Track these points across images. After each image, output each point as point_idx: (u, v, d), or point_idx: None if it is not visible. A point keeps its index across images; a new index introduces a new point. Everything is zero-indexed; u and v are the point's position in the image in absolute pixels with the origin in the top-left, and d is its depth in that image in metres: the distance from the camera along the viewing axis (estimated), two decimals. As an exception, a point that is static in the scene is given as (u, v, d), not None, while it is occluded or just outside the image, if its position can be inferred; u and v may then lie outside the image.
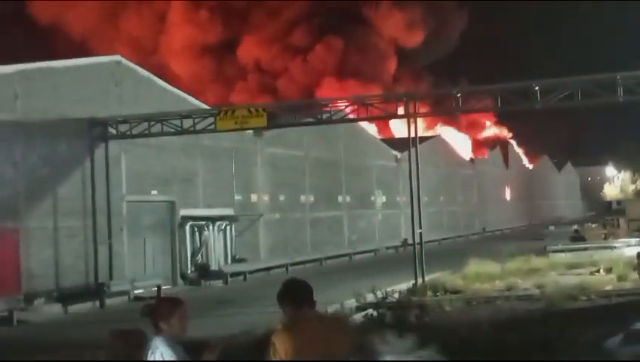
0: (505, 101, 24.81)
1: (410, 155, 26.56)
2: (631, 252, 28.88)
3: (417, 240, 25.05)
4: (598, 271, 24.81)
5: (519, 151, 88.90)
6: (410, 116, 26.16)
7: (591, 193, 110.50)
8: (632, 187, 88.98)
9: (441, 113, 30.33)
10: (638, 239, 31.66)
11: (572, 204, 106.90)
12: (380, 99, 27.96)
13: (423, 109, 30.09)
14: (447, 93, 26.97)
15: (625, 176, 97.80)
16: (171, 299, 5.81)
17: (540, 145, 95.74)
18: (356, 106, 26.67)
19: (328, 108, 27.14)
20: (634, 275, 22.58)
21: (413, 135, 26.05)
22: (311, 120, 28.25)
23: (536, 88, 23.65)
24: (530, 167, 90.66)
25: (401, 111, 26.35)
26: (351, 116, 27.39)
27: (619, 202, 70.45)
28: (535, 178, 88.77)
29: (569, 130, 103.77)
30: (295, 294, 5.38)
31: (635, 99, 23.34)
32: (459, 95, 25.31)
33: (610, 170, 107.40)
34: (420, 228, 25.39)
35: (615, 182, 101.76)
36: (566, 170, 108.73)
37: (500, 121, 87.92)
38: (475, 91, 26.12)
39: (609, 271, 24.28)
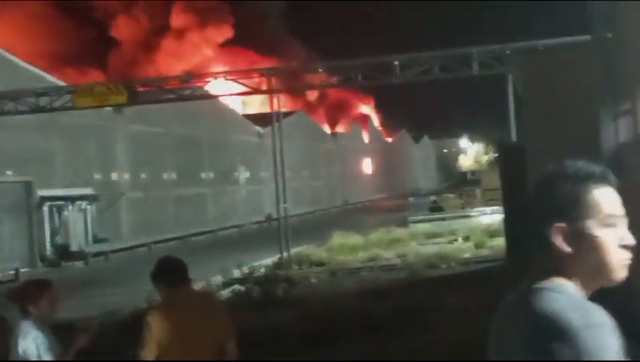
0: (365, 76, 25.20)
1: (273, 131, 26.64)
2: (486, 220, 29.98)
3: (282, 214, 25.22)
4: (456, 239, 25.61)
5: (378, 125, 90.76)
6: (272, 92, 26.24)
7: (447, 165, 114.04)
8: (485, 158, 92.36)
9: (304, 88, 30.54)
10: (492, 208, 32.85)
11: (429, 176, 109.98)
12: (242, 74, 27.85)
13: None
14: (311, 69, 27.17)
15: (478, 147, 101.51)
16: (39, 281, 5.67)
17: (398, 120, 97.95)
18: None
19: (190, 84, 26.84)
20: (490, 242, 23.47)
21: (275, 110, 26.15)
22: (172, 96, 27.86)
23: (396, 63, 24.15)
24: (389, 140, 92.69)
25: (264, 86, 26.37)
26: (213, 93, 27.22)
27: (473, 173, 72.97)
28: (394, 151, 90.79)
29: (425, 104, 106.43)
30: (169, 273, 5.34)
31: (489, 73, 24.22)
32: (320, 70, 25.60)
33: (464, 142, 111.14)
34: (285, 203, 25.57)
35: (469, 153, 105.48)
36: (423, 143, 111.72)
37: (362, 96, 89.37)
38: (337, 67, 26.38)
39: (467, 239, 25.12)
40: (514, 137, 24.17)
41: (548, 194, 2.13)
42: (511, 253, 15.65)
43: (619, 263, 2.11)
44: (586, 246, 2.09)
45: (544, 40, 22.90)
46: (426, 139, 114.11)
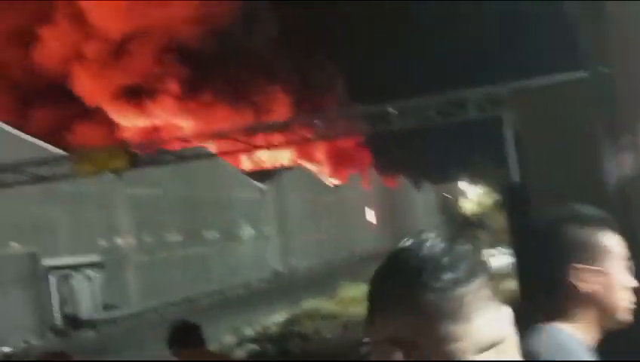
0: (363, 125, 25.32)
1: (274, 187, 26.70)
2: (493, 263, 29.83)
3: (289, 269, 25.15)
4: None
5: (375, 171, 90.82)
6: (270, 147, 26.38)
7: (449, 208, 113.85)
8: (487, 200, 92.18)
9: (301, 142, 30.72)
10: (498, 250, 32.75)
11: (432, 221, 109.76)
12: (240, 133, 27.96)
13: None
14: (308, 122, 27.29)
15: (479, 190, 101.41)
16: (56, 354, 5.64)
17: (397, 166, 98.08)
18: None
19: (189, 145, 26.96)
20: (500, 285, 23.34)
21: (275, 165, 26.27)
22: (172, 158, 27.98)
23: (393, 110, 24.26)
24: (390, 187, 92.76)
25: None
26: (212, 152, 27.33)
27: (476, 215, 72.93)
28: (395, 198, 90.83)
29: (423, 148, 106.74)
30: (184, 336, 5.33)
31: (485, 115, 24.29)
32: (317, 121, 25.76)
33: (464, 185, 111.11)
34: (291, 257, 25.52)
35: (470, 196, 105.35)
36: (423, 188, 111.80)
37: (359, 145, 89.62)
38: (337, 117, 26.56)
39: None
40: (515, 178, 24.18)
41: (560, 238, 2.26)
42: (523, 296, 15.53)
43: (625, 304, 2.22)
44: (599, 287, 2.19)
45: (539, 78, 23.00)
46: (426, 184, 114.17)
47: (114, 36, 65.43)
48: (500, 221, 25.86)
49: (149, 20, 65.92)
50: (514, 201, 17.31)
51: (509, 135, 24.84)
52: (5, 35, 63.09)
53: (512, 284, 20.97)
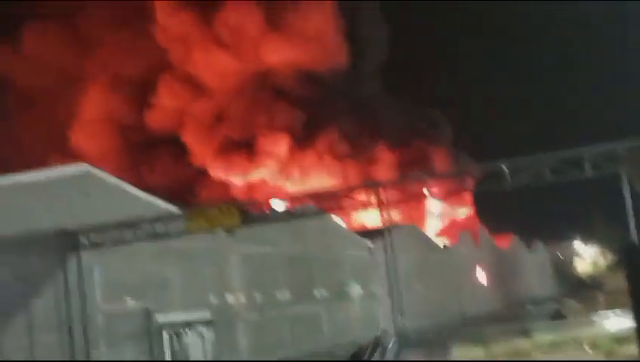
0: (476, 183, 24.94)
1: (384, 245, 26.50)
2: (612, 326, 28.80)
3: (399, 329, 24.80)
4: (583, 348, 24.59)
5: (486, 230, 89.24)
6: (381, 206, 26.18)
7: (563, 270, 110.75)
8: (603, 261, 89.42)
9: (412, 200, 30.55)
10: (617, 312, 31.56)
11: (545, 282, 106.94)
12: (351, 191, 27.96)
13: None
14: (419, 179, 27.04)
15: (595, 250, 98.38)
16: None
17: (508, 225, 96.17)
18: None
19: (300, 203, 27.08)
20: (621, 350, 22.43)
21: (384, 223, 26.06)
22: (283, 215, 28.16)
23: (506, 169, 23.84)
24: (501, 247, 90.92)
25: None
26: (323, 209, 27.33)
27: (592, 277, 70.81)
28: (507, 258, 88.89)
29: (535, 208, 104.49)
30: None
31: (602, 173, 23.55)
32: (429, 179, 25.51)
33: (579, 245, 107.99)
34: (401, 317, 25.18)
35: (585, 257, 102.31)
36: (536, 249, 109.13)
37: (468, 203, 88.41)
38: (447, 175, 26.28)
39: (595, 347, 24.10)
40: (634, 238, 23.27)
41: None
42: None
43: None
44: None
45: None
46: (538, 245, 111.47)
47: (223, 94, 66.88)
48: (617, 282, 24.90)
49: (257, 78, 67.19)
50: (632, 262, 16.60)
51: (626, 193, 24.04)
52: (122, 95, 65.64)
53: (632, 349, 20.09)
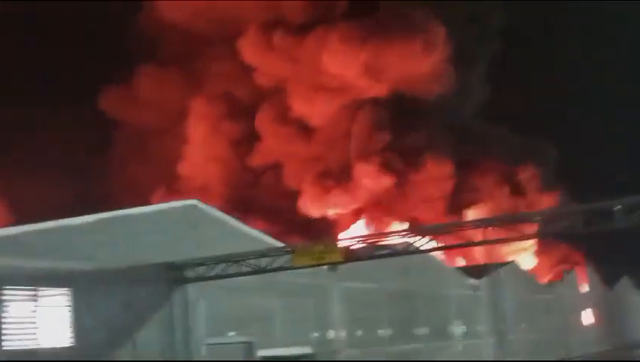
0: (586, 223, 24.28)
1: (489, 283, 26.01)
2: None
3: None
4: None
5: (593, 271, 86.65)
6: (486, 243, 25.75)
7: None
8: None
9: (520, 239, 29.97)
10: None
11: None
12: (456, 227, 27.62)
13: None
14: (528, 217, 26.53)
15: None
16: None
17: (616, 266, 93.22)
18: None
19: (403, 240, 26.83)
20: None
21: (490, 260, 25.61)
22: (387, 252, 27.95)
23: (618, 208, 23.12)
24: (609, 289, 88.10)
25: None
26: (428, 246, 27.01)
27: None
28: (615, 300, 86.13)
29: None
30: None
31: None
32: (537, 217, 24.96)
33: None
34: (505, 357, 24.58)
35: None
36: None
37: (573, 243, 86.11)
38: (556, 213, 25.67)
39: None
40: None
41: None
42: None
43: None
44: None
45: None
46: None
47: (324, 132, 67.07)
48: None
49: (351, 112, 66.98)
50: None
51: None
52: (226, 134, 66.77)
53: None
